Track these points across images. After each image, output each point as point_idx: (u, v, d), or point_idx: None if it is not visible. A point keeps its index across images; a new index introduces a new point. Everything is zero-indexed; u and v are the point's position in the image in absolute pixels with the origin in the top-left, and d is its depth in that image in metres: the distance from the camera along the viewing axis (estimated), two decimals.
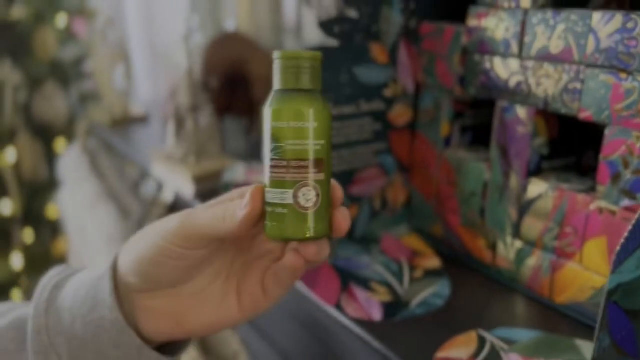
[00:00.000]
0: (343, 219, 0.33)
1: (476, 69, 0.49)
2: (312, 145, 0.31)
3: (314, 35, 0.99)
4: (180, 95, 0.69)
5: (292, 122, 0.31)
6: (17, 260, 1.50)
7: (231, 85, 0.87)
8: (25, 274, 1.53)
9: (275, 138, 0.31)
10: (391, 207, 0.57)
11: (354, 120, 0.52)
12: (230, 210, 0.32)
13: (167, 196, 0.70)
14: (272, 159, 0.31)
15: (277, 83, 0.32)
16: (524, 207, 0.47)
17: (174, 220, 0.34)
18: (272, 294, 0.36)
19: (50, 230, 1.54)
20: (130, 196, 1.00)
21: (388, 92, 0.54)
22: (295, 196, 0.31)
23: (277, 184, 0.31)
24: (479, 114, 0.55)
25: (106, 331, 0.34)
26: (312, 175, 0.31)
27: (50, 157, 1.50)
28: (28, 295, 1.53)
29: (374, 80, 0.52)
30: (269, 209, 0.32)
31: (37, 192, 1.51)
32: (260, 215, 0.32)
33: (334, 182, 0.33)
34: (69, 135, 1.51)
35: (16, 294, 1.53)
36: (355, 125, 0.52)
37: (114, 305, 0.34)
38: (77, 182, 1.03)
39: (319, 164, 0.31)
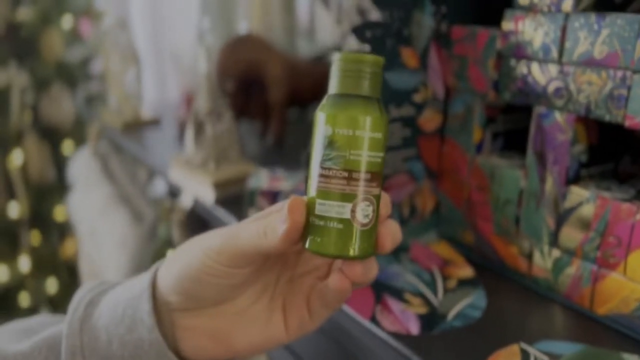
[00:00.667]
0: (388, 233, 0.31)
1: (512, 73, 0.48)
2: (374, 157, 0.30)
3: (328, 37, 0.97)
4: (199, 99, 0.68)
5: (357, 130, 0.29)
6: (24, 263, 1.49)
7: (246, 88, 0.86)
8: (33, 276, 1.51)
9: (335, 146, 0.29)
10: (419, 214, 0.56)
11: None
12: (271, 225, 0.31)
13: (186, 202, 0.69)
14: (328, 168, 0.30)
15: (335, 86, 0.30)
16: (563, 216, 0.46)
17: (216, 237, 0.32)
18: (318, 315, 0.35)
19: (57, 232, 1.52)
20: (142, 200, 0.99)
21: (418, 97, 0.52)
22: (353, 210, 0.29)
23: (333, 195, 0.30)
24: (510, 119, 0.54)
25: (145, 353, 0.33)
26: (372, 189, 0.30)
27: (58, 159, 1.48)
28: (35, 298, 1.52)
29: (404, 85, 0.51)
30: (317, 222, 0.30)
31: (44, 194, 1.49)
32: (303, 229, 0.31)
33: (384, 195, 0.32)
34: (76, 137, 1.50)
35: (23, 296, 1.52)
36: None
37: (153, 326, 0.33)
38: (89, 186, 1.02)
39: (377, 177, 0.30)
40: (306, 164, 0.32)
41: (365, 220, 0.30)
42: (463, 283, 0.50)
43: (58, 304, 1.54)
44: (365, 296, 0.47)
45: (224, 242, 0.32)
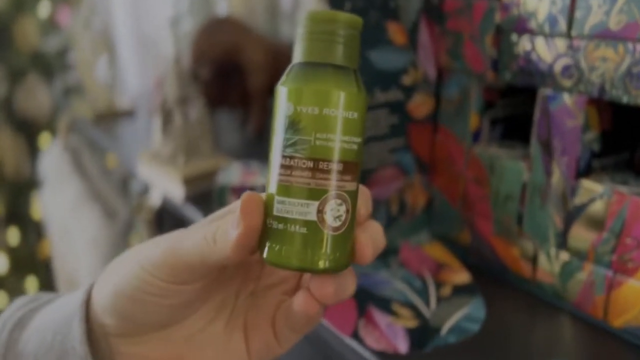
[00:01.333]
0: (368, 240, 0.25)
1: (513, 50, 0.42)
2: (349, 143, 0.24)
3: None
4: (166, 86, 0.61)
5: (326, 107, 0.23)
6: (1, 262, 1.43)
7: (224, 75, 0.79)
8: (11, 276, 1.45)
9: (298, 128, 0.23)
10: (410, 211, 0.50)
11: (368, 112, 0.45)
12: (222, 230, 0.25)
13: (154, 200, 0.62)
14: (289, 157, 0.24)
15: (300, 53, 0.24)
16: (572, 213, 0.40)
17: (156, 247, 0.26)
18: (285, 338, 0.29)
19: (35, 230, 1.46)
20: (116, 196, 0.92)
21: (406, 80, 0.46)
22: (320, 210, 0.23)
23: (296, 191, 0.24)
24: (511, 103, 0.48)
25: None
26: (345, 184, 0.24)
27: (34, 153, 1.42)
28: (14, 298, 1.46)
29: (391, 65, 0.45)
30: (276, 225, 0.24)
31: (21, 190, 1.43)
32: (260, 234, 0.24)
33: (363, 191, 0.26)
34: (54, 130, 1.43)
35: (1, 297, 1.46)
36: (369, 119, 0.45)
37: (86, 356, 0.27)
38: (59, 182, 0.95)
39: (353, 169, 0.24)
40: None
41: (337, 223, 0.24)
42: (459, 290, 0.44)
43: None
44: (347, 308, 0.41)
45: (164, 252, 0.26)
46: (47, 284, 1.49)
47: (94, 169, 0.95)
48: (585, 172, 0.40)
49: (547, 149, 0.41)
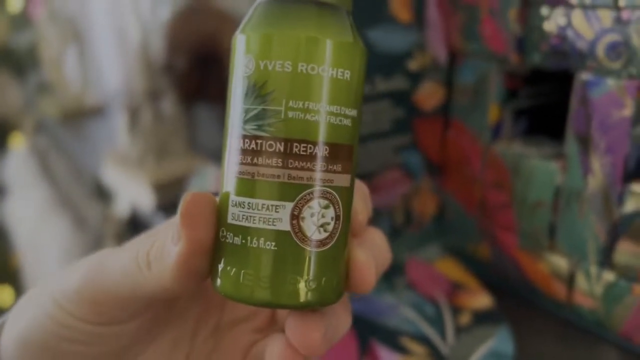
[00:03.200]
0: (368, 258, 0.18)
1: (543, 26, 0.34)
2: (339, 117, 0.16)
3: None
4: (134, 79, 0.54)
5: (304, 62, 0.16)
6: None
7: (201, 66, 0.72)
8: None
9: (265, 94, 0.16)
10: (417, 221, 0.43)
11: (367, 104, 0.37)
12: (157, 247, 0.18)
13: (122, 209, 0.55)
14: (251, 137, 0.16)
15: None
16: (619, 224, 0.33)
17: (75, 274, 0.19)
18: None
19: (7, 238, 1.38)
20: (88, 203, 0.85)
21: (413, 65, 0.39)
22: (296, 216, 0.16)
23: (259, 188, 0.16)
24: (538, 92, 0.40)
25: None
26: (332, 177, 0.16)
27: (4, 154, 1.34)
28: None
29: (395, 47, 0.37)
30: (233, 239, 0.17)
31: None
32: (209, 252, 0.17)
33: (359, 187, 0.19)
34: (25, 130, 1.35)
35: None
36: (369, 112, 0.37)
37: None
38: (26, 189, 0.87)
39: (345, 154, 0.17)
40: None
41: (322, 235, 0.17)
42: (480, 317, 0.36)
43: None
44: (344, 344, 0.33)
45: (83, 282, 0.19)
46: (23, 294, 1.41)
47: (62, 172, 0.87)
48: (635, 173, 0.33)
49: (586, 145, 0.34)
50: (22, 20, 1.39)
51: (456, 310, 0.37)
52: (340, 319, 0.19)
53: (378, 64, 0.37)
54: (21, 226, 0.90)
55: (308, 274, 0.16)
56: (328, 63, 0.16)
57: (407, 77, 0.39)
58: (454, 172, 0.42)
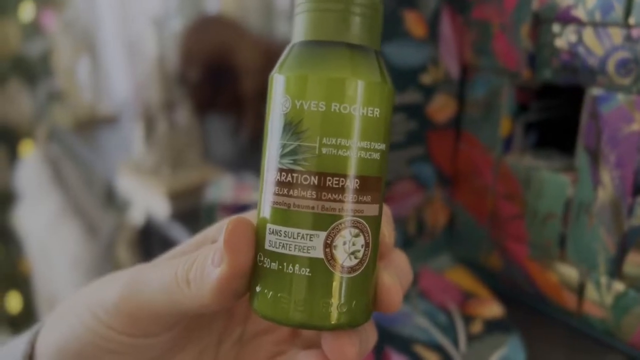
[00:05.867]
0: (395, 281, 0.19)
1: (554, 43, 0.35)
2: (369, 151, 0.17)
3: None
4: (150, 90, 0.55)
5: (337, 102, 0.17)
6: None
7: (214, 78, 0.73)
8: None
9: (300, 131, 0.17)
10: (429, 231, 0.43)
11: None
12: (199, 267, 0.18)
13: (137, 218, 0.55)
14: (287, 170, 0.17)
15: (303, 29, 0.18)
16: (629, 236, 0.34)
17: (113, 288, 0.20)
18: None
19: (17, 244, 1.39)
20: (99, 211, 0.85)
21: (426, 78, 0.40)
22: (329, 244, 0.17)
23: (294, 218, 0.17)
24: (549, 106, 0.41)
25: None
26: (362, 207, 0.17)
27: (16, 162, 1.35)
28: None
29: (408, 62, 0.38)
30: (270, 264, 0.18)
31: (1, 201, 1.35)
32: (249, 274, 0.18)
33: (385, 213, 0.20)
34: (36, 138, 1.36)
35: None
36: None
37: None
38: (38, 196, 0.88)
39: (374, 186, 0.18)
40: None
41: (352, 262, 0.17)
42: (491, 326, 0.37)
43: (21, 321, 1.41)
44: None
45: (121, 297, 0.19)
46: (30, 299, 1.41)
47: (74, 180, 0.88)
48: None
49: (596, 159, 0.35)
50: (34, 30, 1.40)
51: (468, 319, 0.38)
52: (370, 334, 0.20)
53: (392, 77, 0.38)
54: (33, 233, 0.91)
55: (339, 298, 0.17)
56: (359, 102, 0.17)
57: (420, 91, 0.40)
58: (466, 183, 0.43)
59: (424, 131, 0.41)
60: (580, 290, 0.37)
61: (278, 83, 0.18)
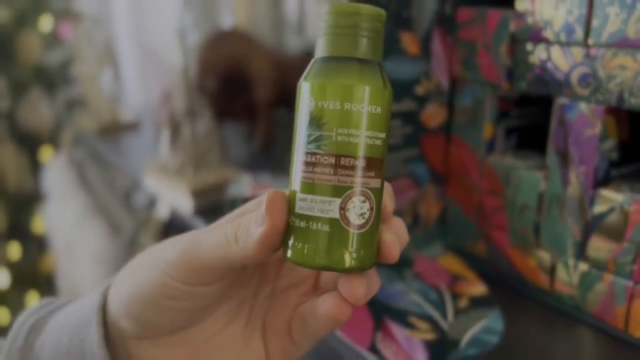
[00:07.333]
0: (394, 238, 0.25)
1: (528, 59, 0.42)
2: (373, 139, 0.23)
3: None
4: (175, 98, 0.61)
5: (349, 102, 0.23)
6: (3, 277, 1.42)
7: (230, 87, 0.79)
8: (12, 291, 1.44)
9: (321, 124, 0.23)
10: (423, 222, 0.50)
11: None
12: (244, 228, 0.24)
13: (162, 212, 0.62)
14: (312, 153, 0.23)
15: (323, 48, 0.24)
16: (591, 223, 0.39)
17: (174, 247, 0.26)
18: (302, 341, 0.28)
19: (37, 245, 1.45)
20: (121, 210, 0.92)
21: (420, 89, 0.46)
22: (343, 208, 0.23)
23: (318, 188, 0.23)
24: (525, 113, 0.47)
25: None
26: (369, 180, 0.23)
27: (36, 167, 1.41)
28: (15, 313, 1.44)
29: (404, 75, 0.45)
30: (299, 223, 0.24)
31: (22, 204, 1.42)
32: (284, 232, 0.24)
33: (387, 187, 0.26)
34: (56, 144, 1.42)
35: (3, 312, 1.44)
36: None
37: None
38: (63, 196, 0.95)
39: (378, 164, 0.23)
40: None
41: (361, 221, 0.23)
42: (476, 302, 0.43)
43: None
44: (363, 321, 0.40)
45: (183, 253, 0.25)
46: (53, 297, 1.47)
47: (98, 182, 0.95)
48: (603, 181, 0.40)
49: (564, 158, 0.41)
50: (52, 40, 1.47)
51: (456, 296, 0.44)
52: (374, 280, 0.26)
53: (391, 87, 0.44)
54: (59, 231, 0.97)
55: (351, 248, 0.23)
56: (365, 102, 0.23)
57: (415, 100, 0.46)
58: (455, 181, 0.49)
59: (418, 135, 0.47)
60: (552, 272, 0.42)
61: (305, 88, 0.24)
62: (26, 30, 1.40)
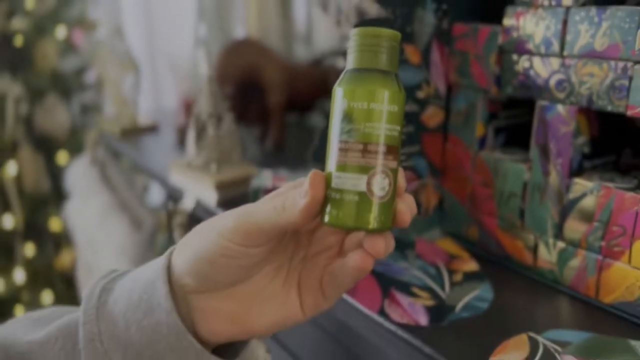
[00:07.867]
0: (407, 208, 0.31)
1: (514, 68, 0.49)
2: (391, 131, 0.30)
3: (325, 41, 0.98)
4: (200, 102, 0.68)
5: (373, 103, 0.29)
6: (19, 275, 1.47)
7: (244, 93, 0.86)
8: (28, 289, 1.49)
9: (352, 119, 0.30)
10: (423, 211, 0.57)
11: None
12: (290, 199, 0.31)
13: (188, 204, 0.69)
14: (344, 142, 0.30)
15: (352, 61, 0.30)
16: (567, 207, 0.46)
17: (231, 216, 0.32)
18: (331, 294, 0.35)
19: (52, 244, 1.51)
20: (142, 207, 0.98)
21: (421, 94, 0.53)
22: (369, 183, 0.30)
23: (349, 168, 0.30)
24: (512, 114, 0.54)
25: (164, 337, 0.33)
26: (388, 162, 0.30)
27: (52, 169, 1.47)
28: (30, 310, 1.50)
29: (407, 81, 0.52)
30: (334, 195, 0.30)
31: (38, 205, 1.48)
32: (322, 203, 0.31)
33: (400, 169, 0.32)
34: (71, 147, 1.49)
35: (18, 309, 1.50)
36: None
37: (171, 309, 0.33)
38: (87, 194, 1.01)
39: (395, 150, 0.30)
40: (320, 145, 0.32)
41: (382, 193, 0.30)
42: (469, 277, 0.50)
43: None
44: (373, 291, 0.47)
45: (239, 220, 0.32)
46: (63, 297, 1.53)
47: (119, 181, 1.01)
48: (577, 171, 0.47)
49: (544, 152, 0.48)
50: (67, 47, 1.53)
51: (452, 272, 0.51)
52: (391, 241, 0.32)
53: None
54: (82, 226, 1.03)
55: (375, 213, 0.30)
56: (385, 103, 0.30)
57: (416, 103, 0.53)
58: (451, 173, 0.56)
59: (419, 133, 0.54)
60: (535, 250, 0.49)
61: (339, 92, 0.31)
62: (44, 38, 1.46)
